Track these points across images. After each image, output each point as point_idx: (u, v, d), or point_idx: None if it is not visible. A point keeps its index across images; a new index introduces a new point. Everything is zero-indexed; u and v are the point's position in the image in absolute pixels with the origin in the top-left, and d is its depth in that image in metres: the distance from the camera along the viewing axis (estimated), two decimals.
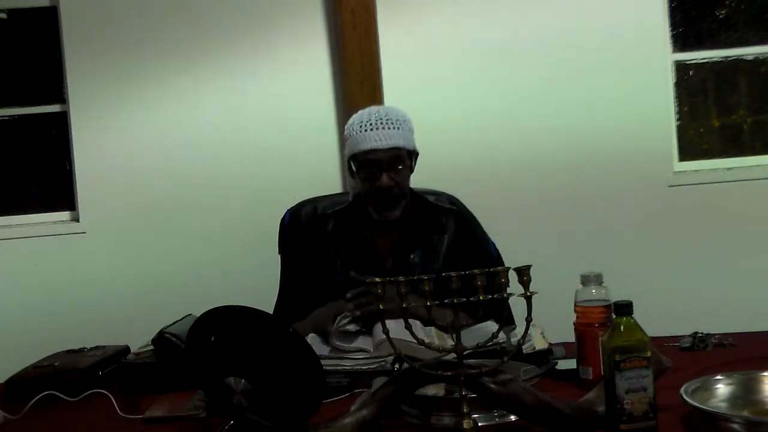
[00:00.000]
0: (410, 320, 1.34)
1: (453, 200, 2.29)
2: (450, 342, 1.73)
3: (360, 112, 2.13)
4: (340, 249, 2.16)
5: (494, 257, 2.24)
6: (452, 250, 2.15)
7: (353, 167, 2.10)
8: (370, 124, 2.04)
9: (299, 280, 2.20)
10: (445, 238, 2.16)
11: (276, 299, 2.24)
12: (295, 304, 2.13)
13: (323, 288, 2.12)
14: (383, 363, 1.74)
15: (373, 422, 1.34)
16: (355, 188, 2.17)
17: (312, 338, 1.91)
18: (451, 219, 2.19)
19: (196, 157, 3.86)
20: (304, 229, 2.22)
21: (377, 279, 1.32)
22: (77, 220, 3.92)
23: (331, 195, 2.37)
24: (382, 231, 2.13)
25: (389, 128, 2.04)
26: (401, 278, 1.31)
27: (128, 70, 3.85)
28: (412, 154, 2.12)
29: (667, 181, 3.83)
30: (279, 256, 2.28)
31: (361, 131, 2.05)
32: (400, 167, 2.06)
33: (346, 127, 2.12)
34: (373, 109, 2.12)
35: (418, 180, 2.25)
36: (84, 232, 3.88)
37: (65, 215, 4.02)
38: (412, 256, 2.13)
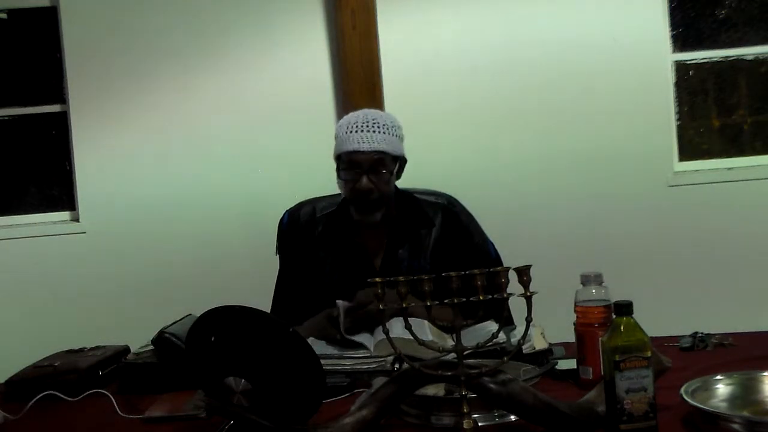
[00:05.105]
0: (410, 319, 1.34)
1: (452, 200, 2.29)
2: (450, 342, 1.73)
3: (351, 113, 2.14)
4: (330, 252, 2.16)
5: (493, 257, 2.23)
6: (440, 242, 2.15)
7: (338, 167, 2.11)
8: (357, 126, 2.05)
9: (295, 282, 2.20)
10: (432, 231, 2.16)
11: (272, 300, 2.24)
12: (290, 307, 2.14)
13: (316, 291, 2.12)
14: (383, 363, 1.74)
15: (373, 422, 1.34)
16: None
17: (311, 341, 1.91)
18: (438, 212, 2.19)
19: (196, 157, 3.87)
20: (300, 231, 2.23)
21: (377, 279, 1.32)
22: (77, 220, 3.92)
23: (331, 195, 2.36)
24: (372, 230, 2.13)
25: (375, 132, 2.04)
26: (401, 278, 1.31)
27: (128, 70, 3.85)
28: (398, 160, 2.11)
29: (667, 181, 3.83)
30: (277, 256, 2.28)
31: (347, 132, 2.06)
32: (382, 171, 2.06)
33: (335, 127, 2.13)
34: (364, 112, 2.12)
35: (417, 180, 2.25)
36: (84, 232, 3.88)
37: (65, 215, 4.02)
38: (400, 252, 2.14)
